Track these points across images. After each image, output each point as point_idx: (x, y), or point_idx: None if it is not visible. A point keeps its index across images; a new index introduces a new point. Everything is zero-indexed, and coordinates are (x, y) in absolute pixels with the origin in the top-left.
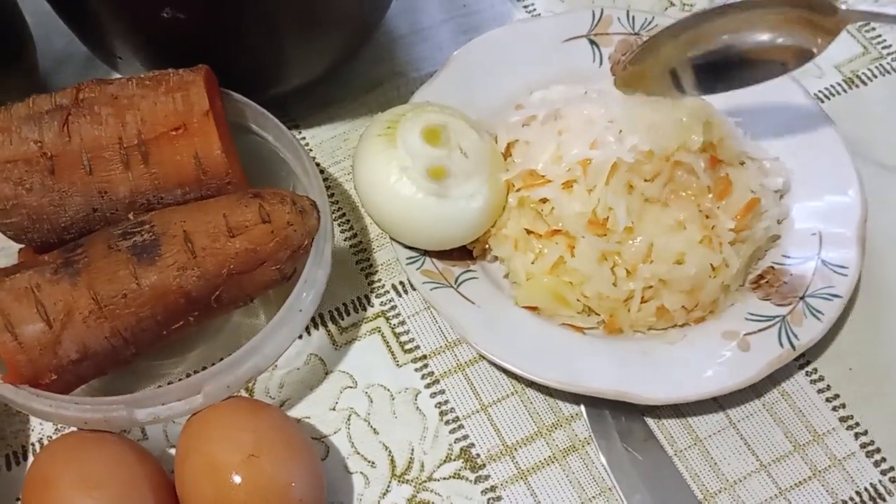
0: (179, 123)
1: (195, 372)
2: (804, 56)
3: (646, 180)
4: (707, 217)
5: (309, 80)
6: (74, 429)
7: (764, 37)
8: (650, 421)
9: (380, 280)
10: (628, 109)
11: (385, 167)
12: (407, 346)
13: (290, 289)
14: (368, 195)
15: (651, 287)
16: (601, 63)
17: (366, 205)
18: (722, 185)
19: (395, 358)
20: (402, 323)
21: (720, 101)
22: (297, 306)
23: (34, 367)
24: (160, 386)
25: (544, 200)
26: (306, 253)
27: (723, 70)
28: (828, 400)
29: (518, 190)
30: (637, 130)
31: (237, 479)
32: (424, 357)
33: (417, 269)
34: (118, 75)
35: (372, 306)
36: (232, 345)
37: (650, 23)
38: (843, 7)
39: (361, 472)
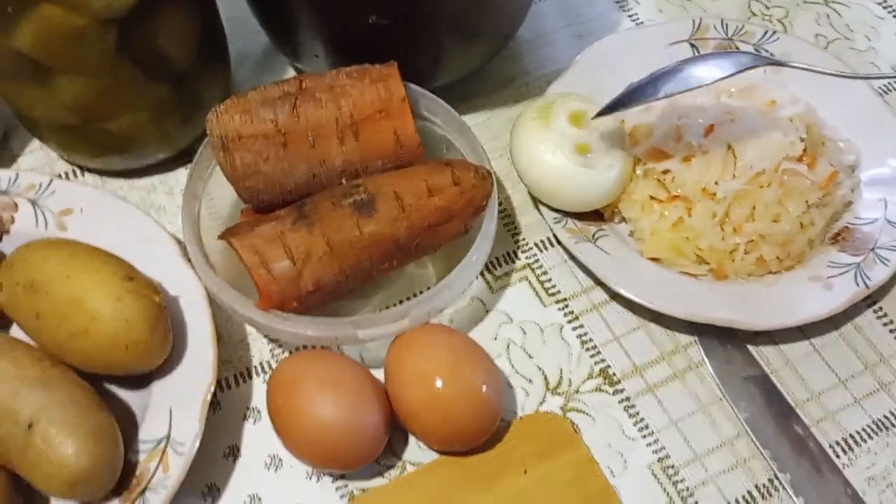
0: (382, 108)
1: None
2: None
3: (761, 187)
4: (809, 205)
5: (459, 76)
6: (287, 354)
7: None
8: (751, 348)
9: (524, 239)
10: (740, 128)
11: (541, 144)
12: (550, 291)
13: (457, 244)
14: (526, 167)
15: (752, 241)
16: None
17: (523, 175)
18: (809, 159)
19: (541, 300)
20: (545, 273)
21: (807, 97)
22: (477, 252)
23: (282, 296)
24: None
25: (666, 172)
26: (483, 211)
27: None
28: (891, 331)
29: (644, 163)
30: (749, 146)
31: (441, 382)
32: (565, 299)
33: (563, 227)
34: (292, 72)
35: (519, 260)
36: (406, 290)
37: (741, 30)
38: None
39: (522, 388)
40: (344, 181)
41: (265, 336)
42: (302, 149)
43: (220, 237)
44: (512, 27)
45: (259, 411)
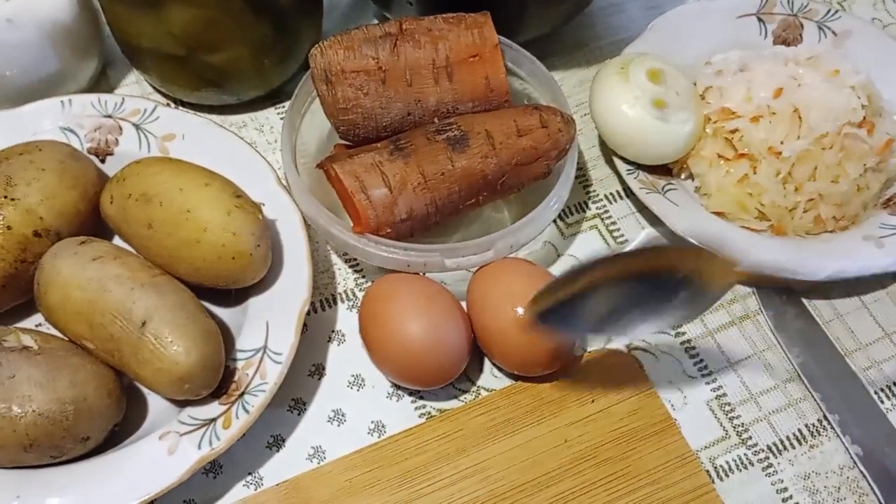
0: (476, 52)
1: None
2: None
3: (823, 149)
4: (866, 169)
5: (538, 35)
6: (370, 284)
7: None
8: (804, 301)
9: (595, 191)
10: (806, 93)
11: (621, 96)
12: (619, 240)
13: (532, 193)
14: (606, 118)
15: (812, 200)
16: (766, 36)
17: (601, 126)
18: (868, 126)
19: (609, 247)
20: (614, 223)
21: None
22: (559, 191)
23: (378, 222)
24: None
25: (734, 131)
26: (566, 155)
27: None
28: None
29: (714, 122)
30: (815, 110)
31: (524, 307)
32: None
33: (635, 178)
34: (375, 21)
35: (589, 210)
36: (482, 232)
37: (806, 7)
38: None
39: None
40: (436, 121)
41: (350, 265)
42: (399, 86)
43: (319, 166)
44: None
45: (343, 334)
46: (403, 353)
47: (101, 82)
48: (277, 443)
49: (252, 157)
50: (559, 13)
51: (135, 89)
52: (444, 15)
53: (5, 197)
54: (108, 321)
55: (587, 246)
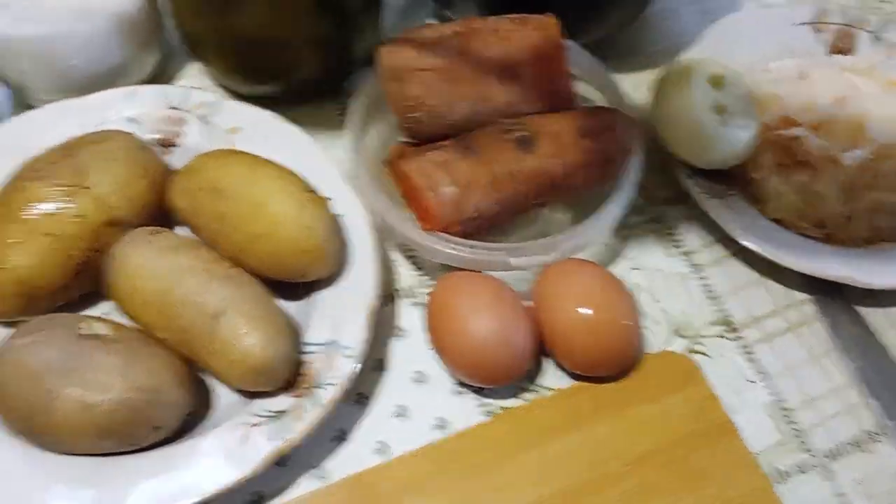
0: (542, 54)
1: None
2: None
3: (884, 158)
4: None
5: (596, 38)
6: (430, 281)
7: None
8: (859, 308)
9: (652, 194)
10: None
11: (683, 100)
12: (675, 243)
13: (591, 195)
14: (669, 122)
15: (870, 209)
16: (820, 45)
17: (661, 130)
18: None
19: (666, 251)
20: (670, 227)
21: None
22: (624, 195)
23: (446, 220)
24: None
25: (794, 138)
26: (631, 157)
27: None
28: None
29: (775, 129)
30: (876, 119)
31: (592, 309)
32: (689, 252)
33: (693, 183)
34: (430, 21)
35: (645, 213)
36: (540, 232)
37: (860, 17)
38: None
39: (648, 328)
40: (502, 121)
41: (410, 261)
42: (466, 86)
43: (385, 162)
44: None
45: (404, 330)
46: (473, 349)
47: (162, 73)
48: (342, 436)
49: (317, 152)
50: (618, 17)
51: (194, 81)
52: (510, 16)
53: (78, 185)
54: (180, 311)
55: (644, 249)
